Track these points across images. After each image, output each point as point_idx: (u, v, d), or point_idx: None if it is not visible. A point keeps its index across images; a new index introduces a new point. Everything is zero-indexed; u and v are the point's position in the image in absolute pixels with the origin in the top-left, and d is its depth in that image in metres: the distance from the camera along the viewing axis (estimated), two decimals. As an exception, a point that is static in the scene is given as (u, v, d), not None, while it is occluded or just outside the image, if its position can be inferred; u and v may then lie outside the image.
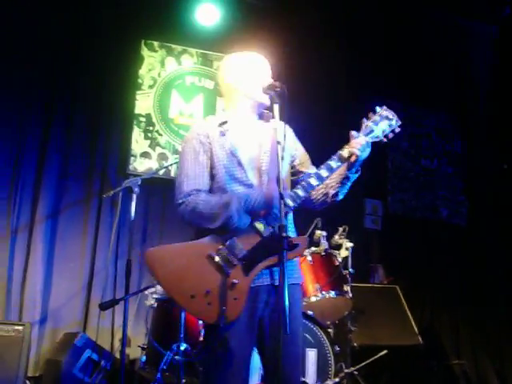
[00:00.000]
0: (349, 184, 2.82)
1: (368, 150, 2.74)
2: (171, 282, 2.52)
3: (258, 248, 2.56)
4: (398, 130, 2.80)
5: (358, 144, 2.69)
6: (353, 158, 2.70)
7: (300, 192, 2.64)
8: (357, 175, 2.81)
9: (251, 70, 2.85)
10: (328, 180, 2.76)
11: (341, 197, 2.86)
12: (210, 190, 2.71)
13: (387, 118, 2.79)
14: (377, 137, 2.77)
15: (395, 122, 2.80)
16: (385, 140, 2.79)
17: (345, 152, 2.71)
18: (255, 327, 2.60)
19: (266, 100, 2.80)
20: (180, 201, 2.66)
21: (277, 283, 2.59)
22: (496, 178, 7.35)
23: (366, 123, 2.77)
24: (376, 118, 2.78)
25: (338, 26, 6.79)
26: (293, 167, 2.91)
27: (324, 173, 2.69)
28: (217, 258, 2.52)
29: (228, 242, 2.54)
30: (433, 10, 7.05)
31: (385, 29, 6.88)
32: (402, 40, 7.03)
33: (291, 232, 2.75)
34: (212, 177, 2.72)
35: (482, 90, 7.61)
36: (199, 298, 2.48)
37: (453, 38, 7.44)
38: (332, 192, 2.83)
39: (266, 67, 2.89)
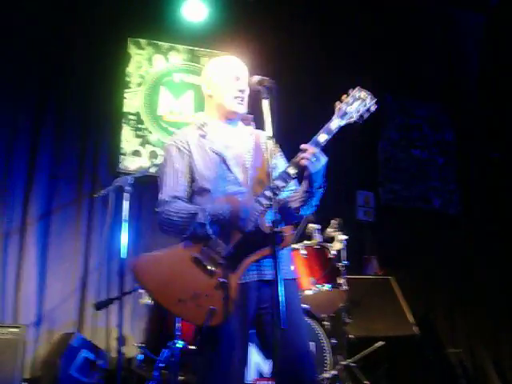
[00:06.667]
0: (315, 200, 2.69)
1: (323, 160, 2.56)
2: (159, 291, 2.53)
3: (241, 244, 2.54)
4: (373, 108, 2.68)
5: (308, 154, 2.52)
6: (306, 173, 2.55)
7: (279, 183, 2.54)
8: (320, 191, 2.66)
9: (223, 80, 2.81)
10: (293, 194, 2.70)
11: (306, 212, 2.74)
12: (194, 194, 2.71)
13: (360, 98, 2.68)
14: (351, 117, 2.65)
15: (369, 100, 2.68)
16: (361, 121, 2.67)
17: (290, 169, 2.56)
18: (248, 325, 2.57)
19: (238, 109, 2.80)
20: (158, 209, 2.70)
21: (265, 278, 2.57)
22: (487, 166, 7.37)
23: (339, 106, 2.67)
24: (349, 99, 2.67)
25: (327, 18, 6.78)
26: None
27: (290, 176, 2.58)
28: (201, 259, 2.51)
29: (210, 242, 2.52)
30: (422, -1, 7.07)
31: (374, 19, 6.87)
32: (392, 30, 7.04)
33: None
34: (193, 180, 2.71)
35: (473, 79, 7.62)
36: (188, 301, 2.46)
37: (443, 27, 7.46)
38: (294, 206, 2.70)
39: (241, 73, 2.83)
